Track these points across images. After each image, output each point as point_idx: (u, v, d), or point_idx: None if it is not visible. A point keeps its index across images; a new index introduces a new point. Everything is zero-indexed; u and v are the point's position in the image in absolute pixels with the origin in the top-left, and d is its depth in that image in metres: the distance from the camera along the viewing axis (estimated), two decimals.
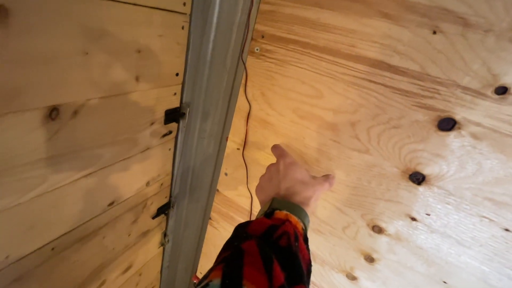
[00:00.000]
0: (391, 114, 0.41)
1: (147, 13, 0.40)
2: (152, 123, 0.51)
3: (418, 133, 0.40)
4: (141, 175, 0.55)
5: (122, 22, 0.37)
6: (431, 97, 0.38)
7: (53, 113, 0.33)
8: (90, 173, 0.43)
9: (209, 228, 0.77)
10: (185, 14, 0.47)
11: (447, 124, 0.38)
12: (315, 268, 0.60)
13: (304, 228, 0.34)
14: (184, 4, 0.46)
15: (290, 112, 0.51)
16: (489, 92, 0.34)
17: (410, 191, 0.43)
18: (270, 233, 0.30)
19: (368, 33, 0.39)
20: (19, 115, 0.30)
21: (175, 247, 0.84)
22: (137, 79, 0.43)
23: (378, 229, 0.49)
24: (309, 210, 0.36)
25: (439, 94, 0.37)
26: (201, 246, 0.82)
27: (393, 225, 0.47)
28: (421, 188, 0.42)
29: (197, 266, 0.87)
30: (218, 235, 0.76)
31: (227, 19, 0.52)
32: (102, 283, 0.59)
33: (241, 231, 0.31)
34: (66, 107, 0.34)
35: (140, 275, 0.74)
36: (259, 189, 0.43)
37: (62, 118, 0.34)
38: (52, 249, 0.42)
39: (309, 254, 0.32)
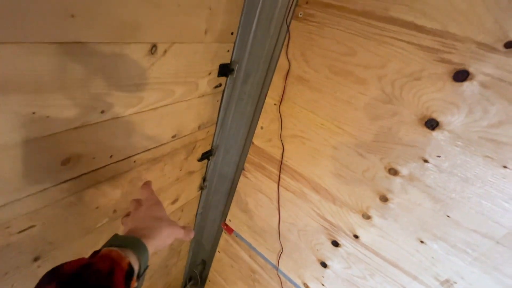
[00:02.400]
0: (414, 68, 0.49)
1: None
2: (209, 73, 0.61)
3: (436, 84, 0.48)
4: (196, 118, 0.67)
5: None
6: (449, 52, 0.45)
7: (153, 48, 0.44)
8: (165, 105, 0.54)
9: (241, 178, 0.89)
10: None
11: (462, 76, 0.45)
12: (334, 209, 0.70)
13: (131, 264, 0.31)
14: None
15: (325, 68, 0.60)
16: (500, 46, 0.41)
17: (425, 136, 0.51)
18: (80, 273, 0.28)
19: None
20: (136, 45, 0.41)
21: (209, 195, 0.96)
22: (205, 32, 0.53)
23: (393, 172, 0.58)
24: (152, 244, 0.36)
25: (456, 49, 0.44)
26: (232, 196, 0.95)
27: (407, 167, 0.55)
28: (434, 133, 0.50)
29: (226, 213, 1.00)
30: (249, 183, 0.87)
31: None
32: None
33: (51, 273, 0.28)
34: (161, 46, 0.45)
35: (182, 211, 0.87)
36: (123, 224, 0.43)
37: (157, 54, 0.46)
38: (134, 161, 0.55)
39: None
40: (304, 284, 0.87)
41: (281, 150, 0.74)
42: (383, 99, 0.54)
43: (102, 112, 0.43)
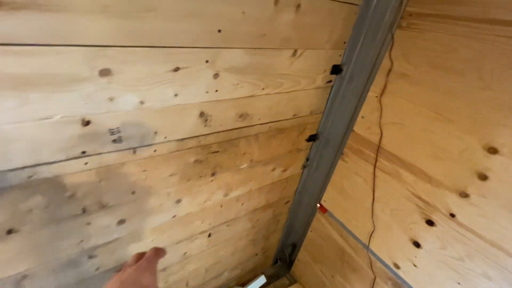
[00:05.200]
0: (511, 57, 0.58)
1: (339, 5, 0.73)
2: (324, 71, 0.85)
3: None
4: (309, 104, 0.90)
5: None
6: None
7: (294, 52, 0.72)
8: (294, 90, 0.81)
9: (340, 162, 1.06)
10: (358, 5, 0.78)
11: None
12: (429, 189, 0.78)
13: None
14: None
15: (425, 64, 0.73)
16: None
17: None
18: None
19: (499, 1, 0.58)
20: (286, 50, 0.69)
21: (309, 175, 1.17)
22: (326, 41, 0.77)
23: (493, 150, 0.64)
24: None
25: None
26: (329, 179, 1.12)
27: (508, 146, 0.62)
28: None
29: (321, 196, 1.18)
30: (346, 166, 1.03)
31: (383, 5, 0.79)
32: (273, 169, 1.00)
33: None
34: (299, 51, 0.73)
35: (287, 182, 1.11)
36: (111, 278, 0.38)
37: (296, 56, 0.73)
38: (269, 127, 0.84)
39: None
40: (395, 264, 0.94)
41: (379, 136, 0.89)
42: (481, 85, 0.63)
43: (262, 89, 0.73)
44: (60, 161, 0.53)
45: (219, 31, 0.58)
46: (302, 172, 1.15)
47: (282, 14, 0.64)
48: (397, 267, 0.93)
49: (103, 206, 0.66)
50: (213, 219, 0.98)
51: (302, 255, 1.42)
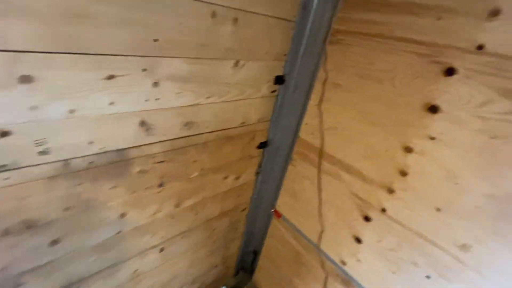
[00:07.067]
0: (415, 68, 0.68)
1: (276, 21, 0.80)
2: (268, 81, 0.90)
3: (430, 78, 0.66)
4: (257, 112, 0.94)
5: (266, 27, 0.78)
6: (438, 56, 0.64)
7: (237, 63, 0.75)
8: (240, 99, 0.85)
9: (289, 167, 1.11)
10: (293, 21, 0.85)
11: (450, 72, 0.63)
12: (364, 187, 0.86)
13: None
14: (294, 16, 0.85)
15: (353, 74, 0.82)
16: (473, 48, 0.59)
17: (429, 118, 0.68)
18: None
19: (400, 22, 0.69)
20: (227, 61, 0.73)
21: (263, 182, 1.20)
22: (267, 53, 0.83)
23: (409, 149, 0.74)
24: None
25: (443, 53, 0.63)
26: (282, 184, 1.17)
27: (419, 145, 0.71)
28: (435, 116, 0.67)
29: (277, 200, 1.22)
30: (296, 171, 1.09)
31: (317, 22, 0.87)
32: (225, 177, 1.01)
33: None
34: (241, 62, 0.76)
35: (241, 189, 1.13)
36: None
37: (239, 66, 0.76)
38: (217, 135, 0.85)
39: None
40: (342, 261, 1.00)
41: (321, 141, 0.96)
42: (395, 92, 0.73)
43: (208, 97, 0.75)
44: None
45: (156, 40, 0.59)
46: (256, 179, 1.18)
47: (221, 26, 0.67)
48: (344, 263, 0.99)
49: (30, 226, 0.60)
50: (165, 231, 0.95)
51: (263, 262, 1.43)
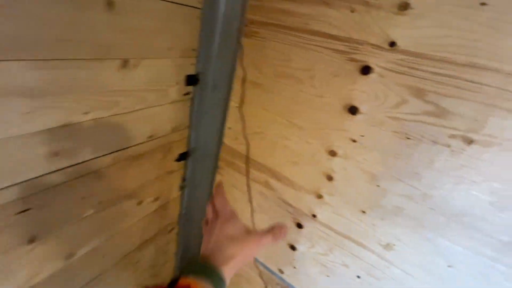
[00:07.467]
0: (334, 66, 0.62)
1: (175, 7, 0.64)
2: (177, 83, 0.74)
3: (349, 77, 0.61)
4: (169, 121, 0.78)
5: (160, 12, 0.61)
6: (354, 53, 0.59)
7: (125, 62, 0.57)
8: (141, 108, 0.67)
9: (217, 176, 0.99)
10: (199, 8, 0.71)
11: (366, 70, 0.59)
12: (293, 194, 0.80)
13: None
14: (199, 1, 0.70)
15: (271, 73, 0.73)
16: (386, 45, 0.55)
17: (350, 120, 0.64)
18: None
19: (314, 13, 0.61)
20: (110, 61, 0.54)
21: (192, 195, 1.06)
22: (170, 48, 0.67)
23: (333, 153, 0.69)
24: (229, 271, 0.36)
25: (359, 50, 0.58)
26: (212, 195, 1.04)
27: (342, 148, 0.67)
28: (355, 117, 0.63)
29: None
30: (224, 180, 0.97)
31: (229, 10, 0.75)
32: (140, 203, 0.83)
33: None
34: (132, 61, 0.59)
35: (164, 209, 0.96)
36: (203, 232, 0.45)
37: (128, 66, 0.59)
38: (114, 157, 0.66)
39: None
40: (279, 269, 0.95)
41: (247, 146, 0.86)
42: (316, 93, 0.67)
43: (86, 113, 0.56)
44: None
45: None
46: (182, 194, 1.03)
47: (87, 12, 0.49)
48: (282, 272, 0.94)
49: None
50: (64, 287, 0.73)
51: None
